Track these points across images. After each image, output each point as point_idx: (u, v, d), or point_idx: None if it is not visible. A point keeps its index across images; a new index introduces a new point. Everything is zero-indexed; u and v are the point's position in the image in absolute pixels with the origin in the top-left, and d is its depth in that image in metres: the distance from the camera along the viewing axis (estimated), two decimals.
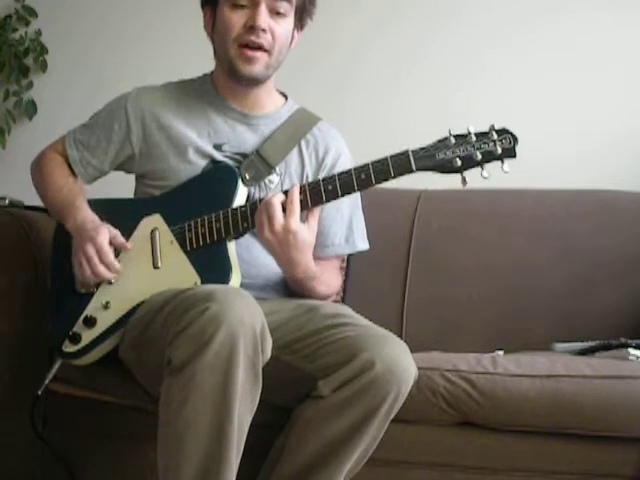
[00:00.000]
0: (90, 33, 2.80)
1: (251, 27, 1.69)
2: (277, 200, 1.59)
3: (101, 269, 1.66)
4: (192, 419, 1.39)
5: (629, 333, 1.98)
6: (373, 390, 1.48)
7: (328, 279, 1.78)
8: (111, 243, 1.68)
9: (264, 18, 1.69)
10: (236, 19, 1.71)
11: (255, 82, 1.77)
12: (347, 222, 1.84)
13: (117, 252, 1.70)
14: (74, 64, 2.80)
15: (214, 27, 1.77)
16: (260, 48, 1.71)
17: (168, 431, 1.42)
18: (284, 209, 1.58)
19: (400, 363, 1.51)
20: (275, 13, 1.71)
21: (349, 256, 2.06)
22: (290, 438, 1.54)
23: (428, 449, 1.68)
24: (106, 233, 1.68)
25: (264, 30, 1.70)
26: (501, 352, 1.89)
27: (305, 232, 1.59)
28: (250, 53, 1.71)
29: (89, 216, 1.73)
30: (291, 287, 1.77)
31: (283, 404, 1.60)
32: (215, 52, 1.81)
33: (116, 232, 1.70)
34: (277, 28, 1.72)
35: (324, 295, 1.78)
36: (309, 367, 1.56)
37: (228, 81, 1.80)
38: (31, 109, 2.78)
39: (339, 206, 1.80)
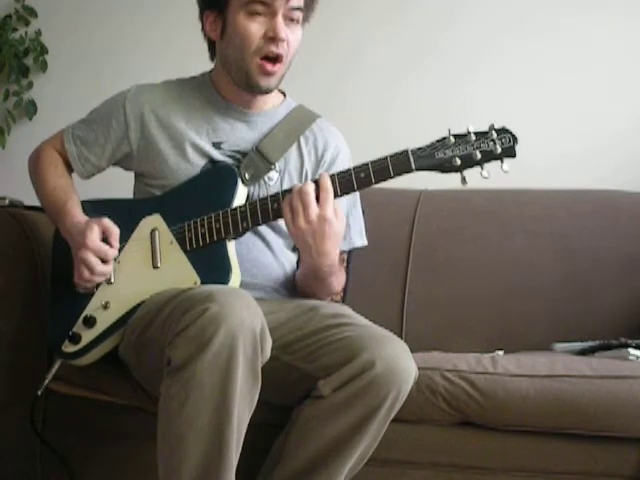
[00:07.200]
0: (90, 33, 2.80)
1: (271, 38, 1.68)
2: (311, 188, 1.57)
3: (100, 269, 1.65)
4: (192, 419, 1.39)
5: (629, 333, 1.98)
6: (373, 390, 1.48)
7: (340, 275, 1.78)
8: (103, 240, 1.66)
9: (284, 28, 1.68)
10: (254, 29, 1.68)
11: (268, 93, 1.77)
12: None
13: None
14: (74, 64, 2.80)
15: (223, 34, 1.74)
16: (278, 58, 1.70)
17: (168, 431, 1.42)
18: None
19: (400, 363, 1.51)
20: (289, 20, 1.70)
21: (349, 256, 2.06)
22: (290, 438, 1.54)
23: (428, 449, 1.67)
24: (95, 232, 1.65)
25: (283, 40, 1.69)
26: (501, 352, 1.89)
27: (339, 222, 1.59)
28: (270, 68, 1.70)
29: (75, 219, 1.71)
30: (304, 284, 1.77)
31: (283, 404, 1.60)
32: (222, 58, 1.78)
33: (108, 227, 1.66)
34: (292, 37, 1.71)
35: (336, 291, 1.78)
36: (309, 367, 1.56)
37: (233, 85, 1.78)
38: (31, 109, 2.77)
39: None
